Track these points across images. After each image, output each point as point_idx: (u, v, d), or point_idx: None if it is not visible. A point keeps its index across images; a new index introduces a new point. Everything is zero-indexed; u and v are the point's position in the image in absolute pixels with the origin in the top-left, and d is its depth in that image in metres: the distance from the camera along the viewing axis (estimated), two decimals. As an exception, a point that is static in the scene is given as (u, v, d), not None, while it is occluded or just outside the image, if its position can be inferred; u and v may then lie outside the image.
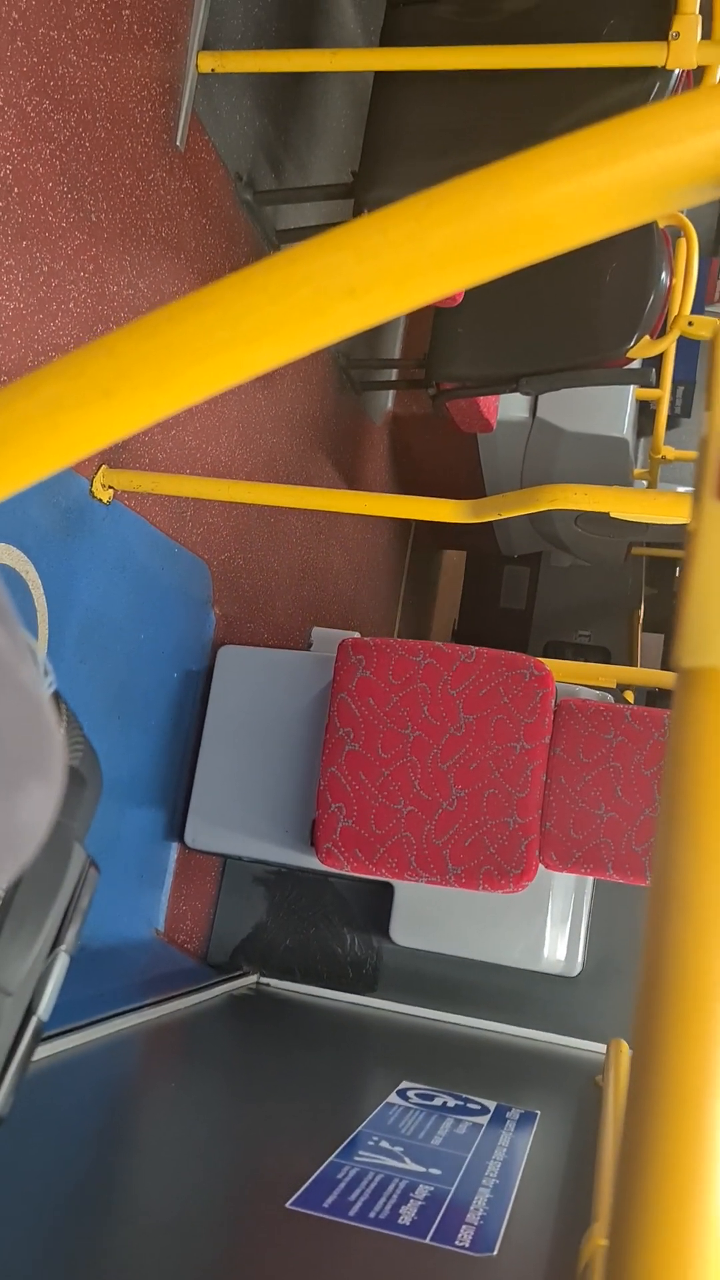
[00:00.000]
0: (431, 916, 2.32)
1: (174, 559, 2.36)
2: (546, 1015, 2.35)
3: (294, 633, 2.61)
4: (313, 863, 2.23)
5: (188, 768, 2.41)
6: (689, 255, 2.82)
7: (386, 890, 2.37)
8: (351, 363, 3.30)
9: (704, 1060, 0.45)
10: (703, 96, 0.58)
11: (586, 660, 4.35)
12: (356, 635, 2.40)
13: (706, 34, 2.11)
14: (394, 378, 3.51)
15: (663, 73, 2.02)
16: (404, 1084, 1.83)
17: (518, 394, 2.95)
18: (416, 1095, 1.78)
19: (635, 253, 2.64)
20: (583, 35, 2.08)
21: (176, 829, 2.39)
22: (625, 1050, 1.89)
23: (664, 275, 2.65)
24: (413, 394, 3.61)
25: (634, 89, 2.04)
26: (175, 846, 2.41)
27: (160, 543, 2.30)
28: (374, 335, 3.50)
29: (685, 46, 1.98)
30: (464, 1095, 1.81)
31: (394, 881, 2.30)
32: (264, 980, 2.38)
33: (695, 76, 2.13)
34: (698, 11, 2.00)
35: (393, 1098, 1.74)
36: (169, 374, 0.62)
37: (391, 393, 3.65)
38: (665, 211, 0.62)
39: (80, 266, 1.99)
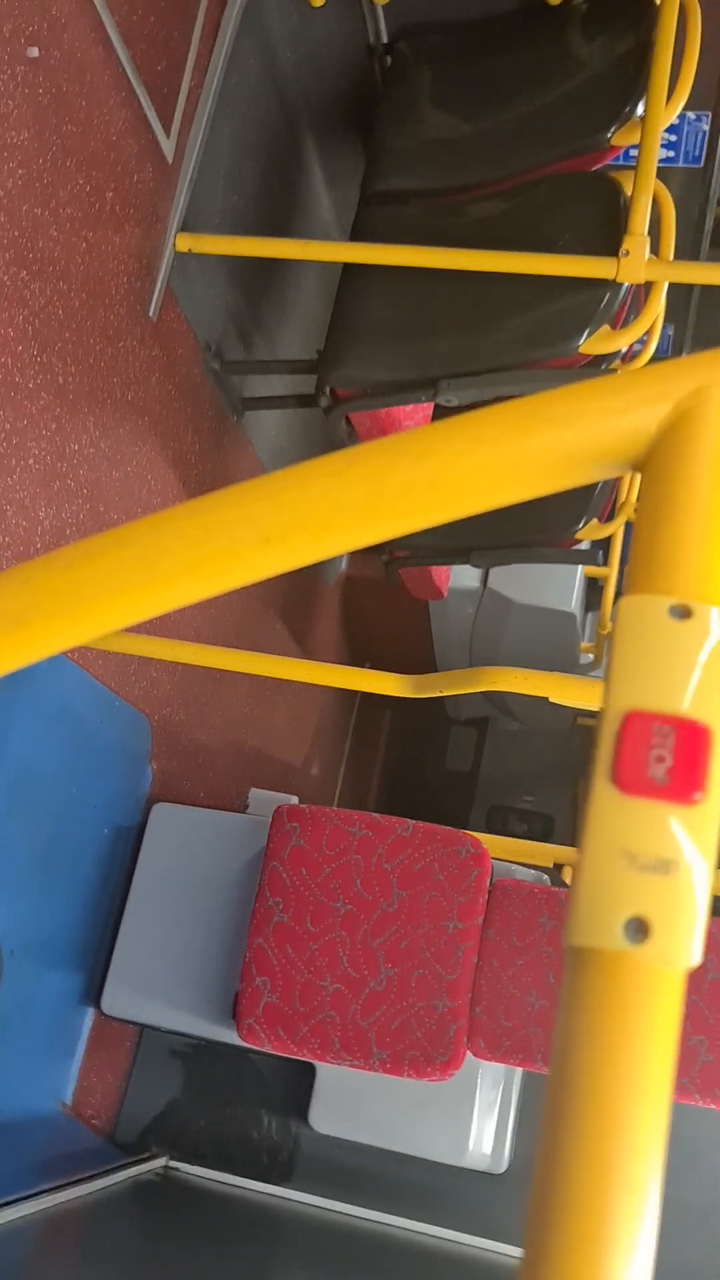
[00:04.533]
0: (353, 1102, 2.23)
1: (113, 712, 2.34)
2: (469, 1215, 2.23)
3: (232, 792, 2.58)
4: (234, 1037, 2.15)
5: (111, 929, 2.33)
6: (637, 446, 2.93)
7: (309, 1071, 2.27)
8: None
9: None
10: (607, 385, 0.61)
11: (530, 827, 4.33)
12: (294, 800, 2.38)
13: (655, 252, 2.25)
14: (350, 541, 3.58)
15: (612, 285, 2.14)
16: (310, 1293, 1.72)
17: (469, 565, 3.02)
18: (322, 1308, 1.67)
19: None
20: (540, 244, 2.21)
21: (94, 994, 2.29)
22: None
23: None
24: (367, 557, 3.68)
25: (584, 297, 2.15)
26: (91, 1012, 2.31)
27: (100, 696, 2.28)
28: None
29: (634, 263, 2.10)
30: (373, 1309, 1.70)
31: (316, 1063, 2.21)
32: (173, 1164, 2.25)
33: (644, 290, 2.26)
34: (646, 233, 2.13)
35: (296, 1310, 1.64)
36: (83, 608, 0.63)
37: (345, 555, 3.71)
38: (573, 485, 0.64)
39: (43, 425, 2.03)
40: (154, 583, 0.62)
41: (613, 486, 2.88)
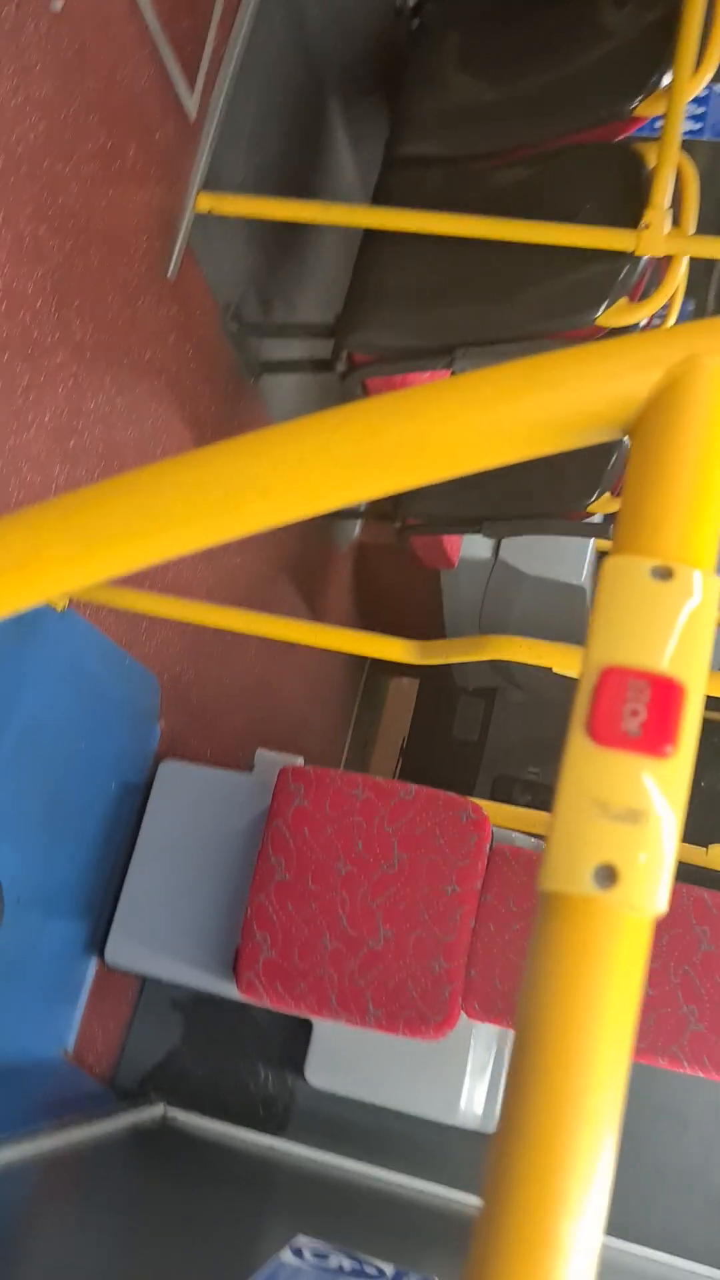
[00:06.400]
0: (349, 1059, 2.27)
1: (123, 670, 2.36)
2: (459, 1172, 2.28)
3: (239, 752, 2.61)
4: (233, 992, 2.19)
5: (116, 882, 2.37)
6: (654, 420, 2.92)
7: (306, 1026, 2.32)
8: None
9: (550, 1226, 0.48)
10: (600, 350, 0.63)
11: (534, 798, 4.35)
12: (299, 761, 2.40)
13: (676, 224, 2.24)
14: (363, 509, 3.59)
15: (631, 257, 2.13)
16: (299, 1239, 1.76)
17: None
18: (311, 1253, 1.71)
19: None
20: (560, 214, 2.20)
21: (97, 945, 2.33)
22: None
23: (626, 437, 2.74)
24: (379, 524, 3.69)
25: (603, 268, 2.14)
26: (94, 962, 2.36)
27: (111, 652, 2.31)
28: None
29: (654, 236, 2.09)
30: (361, 1257, 1.74)
31: (313, 1019, 2.25)
32: (170, 1112, 2.30)
33: (666, 263, 2.24)
34: (669, 206, 2.12)
35: (285, 1254, 1.68)
36: (83, 553, 0.65)
37: (359, 522, 3.72)
38: (563, 449, 0.66)
39: (59, 382, 2.04)
40: (152, 531, 0.64)
41: (626, 461, 2.87)
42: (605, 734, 0.54)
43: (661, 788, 0.54)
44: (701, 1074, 2.10)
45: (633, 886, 0.53)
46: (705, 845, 2.22)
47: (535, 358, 0.62)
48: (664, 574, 0.57)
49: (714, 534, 0.59)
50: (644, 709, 0.54)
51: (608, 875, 0.53)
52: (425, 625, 3.82)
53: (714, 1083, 2.19)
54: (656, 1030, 2.10)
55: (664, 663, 0.55)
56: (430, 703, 4.50)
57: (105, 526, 0.64)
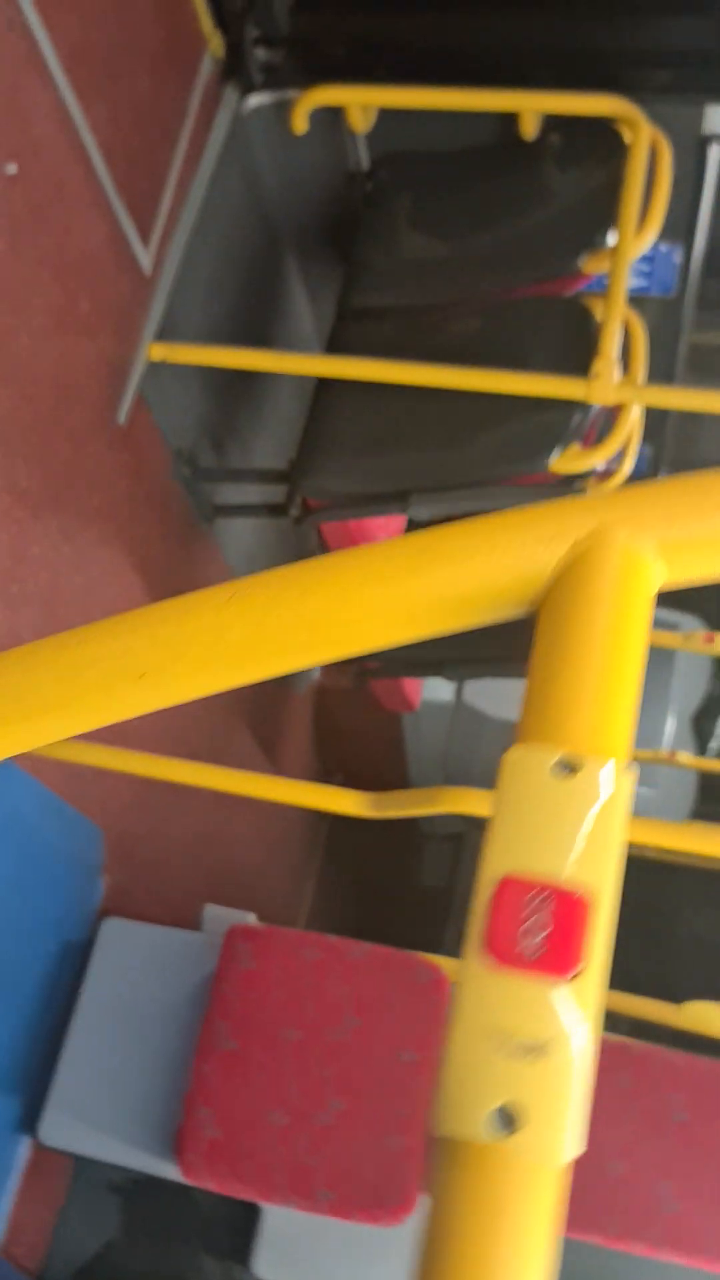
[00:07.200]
0: (300, 1247, 2.09)
1: (65, 821, 2.27)
2: None
3: (189, 908, 2.49)
4: (175, 1173, 2.03)
5: (53, 1051, 2.22)
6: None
7: (253, 1210, 2.14)
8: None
9: None
10: (504, 521, 0.59)
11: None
12: (251, 918, 2.29)
13: (626, 374, 2.28)
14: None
15: (582, 405, 2.16)
16: None
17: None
18: None
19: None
20: (512, 364, 2.23)
21: (31, 1121, 2.17)
22: None
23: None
24: (339, 667, 3.65)
25: (554, 416, 2.16)
26: (27, 1141, 2.19)
27: (51, 804, 2.22)
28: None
29: (603, 385, 2.12)
30: None
31: (262, 1204, 2.09)
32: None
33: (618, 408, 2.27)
34: (617, 357, 2.16)
35: None
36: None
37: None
38: (466, 626, 0.61)
39: (2, 528, 2.01)
40: (20, 719, 0.58)
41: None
42: (504, 954, 0.48)
43: (569, 1015, 0.47)
44: (680, 1260, 1.94)
45: (538, 1132, 0.46)
46: (677, 1001, 2.11)
47: (437, 530, 0.58)
48: (569, 767, 0.52)
49: (626, 721, 0.55)
50: (546, 925, 0.48)
51: (508, 1119, 0.47)
52: (388, 768, 3.75)
53: (698, 1270, 2.03)
54: (629, 1212, 1.95)
55: (566, 872, 0.49)
56: (396, 849, 4.39)
57: (-33, 712, 0.59)
